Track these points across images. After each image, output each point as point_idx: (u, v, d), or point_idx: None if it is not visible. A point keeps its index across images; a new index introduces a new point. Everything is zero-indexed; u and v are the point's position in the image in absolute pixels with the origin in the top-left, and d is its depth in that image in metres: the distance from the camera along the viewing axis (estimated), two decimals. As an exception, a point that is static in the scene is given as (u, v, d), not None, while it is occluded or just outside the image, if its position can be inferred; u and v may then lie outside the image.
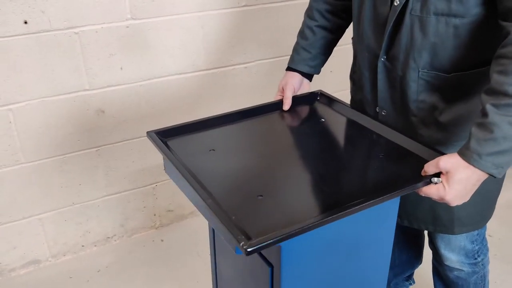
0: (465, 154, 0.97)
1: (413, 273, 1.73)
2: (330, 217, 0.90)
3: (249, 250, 0.81)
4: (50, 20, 1.77)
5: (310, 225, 0.88)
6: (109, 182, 2.13)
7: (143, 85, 2.02)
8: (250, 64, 2.24)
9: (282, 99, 1.38)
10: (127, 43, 1.93)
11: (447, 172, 0.98)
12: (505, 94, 0.94)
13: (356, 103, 1.39)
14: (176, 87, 2.10)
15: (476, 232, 1.37)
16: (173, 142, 1.21)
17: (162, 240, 2.27)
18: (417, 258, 1.68)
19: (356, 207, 0.92)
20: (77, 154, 2.01)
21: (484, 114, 0.96)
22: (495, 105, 0.95)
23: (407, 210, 1.31)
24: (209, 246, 1.35)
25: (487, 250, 1.46)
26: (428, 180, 1.00)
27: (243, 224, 0.90)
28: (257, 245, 0.82)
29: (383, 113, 1.27)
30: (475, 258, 1.42)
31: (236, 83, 2.23)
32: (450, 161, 0.98)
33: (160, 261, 2.15)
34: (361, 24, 1.25)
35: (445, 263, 1.43)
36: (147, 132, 1.21)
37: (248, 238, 0.85)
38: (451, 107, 1.16)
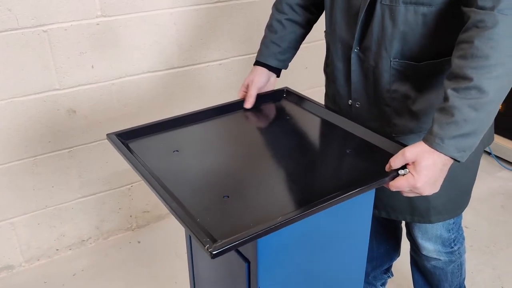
0: (428, 139, 0.98)
1: (391, 266, 1.74)
2: (297, 216, 0.88)
3: (214, 253, 0.80)
4: (17, 18, 1.72)
5: (277, 224, 0.86)
6: (83, 184, 2.09)
7: (115, 83, 1.99)
8: (225, 61, 2.22)
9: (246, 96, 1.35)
10: (98, 41, 1.89)
11: (413, 162, 0.99)
12: (464, 78, 0.95)
13: (329, 97, 1.39)
14: (149, 85, 2.07)
15: (452, 221, 1.38)
16: (135, 144, 1.17)
17: (139, 242, 2.24)
18: (395, 251, 1.68)
19: (322, 205, 0.91)
20: (48, 155, 1.96)
21: (446, 98, 0.97)
22: (455, 89, 0.96)
23: (384, 202, 1.32)
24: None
25: (463, 239, 1.48)
26: (395, 174, 1.00)
27: (209, 226, 0.88)
28: (222, 247, 0.80)
29: (356, 105, 1.27)
30: (452, 247, 1.43)
31: (210, 80, 2.21)
32: (415, 150, 0.99)
33: (137, 263, 2.11)
34: (334, 16, 1.24)
35: (423, 253, 1.43)
36: (107, 135, 1.17)
37: (214, 240, 0.83)
38: (423, 96, 1.17)
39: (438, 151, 0.97)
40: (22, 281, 2.02)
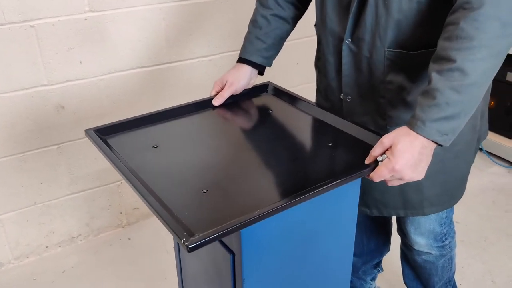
0: (411, 122, 0.98)
1: (381, 261, 1.74)
2: (275, 208, 0.88)
3: (190, 246, 0.79)
4: (4, 13, 1.71)
5: (255, 217, 0.85)
6: (72, 180, 2.08)
7: (103, 79, 1.97)
8: (215, 56, 2.21)
9: (220, 91, 1.33)
10: (86, 36, 1.88)
11: (390, 146, 0.98)
12: (448, 59, 0.94)
13: (321, 92, 1.38)
14: (138, 81, 2.05)
15: (444, 215, 1.38)
16: (114, 140, 1.16)
17: (129, 239, 2.23)
18: (385, 245, 1.68)
19: (300, 198, 0.90)
20: (37, 152, 1.95)
21: (429, 81, 0.97)
22: (438, 72, 0.95)
23: (376, 198, 1.30)
24: (175, 242, 1.32)
25: (454, 233, 1.47)
26: (375, 164, 0.99)
27: (187, 220, 0.87)
28: (199, 241, 0.80)
29: (347, 99, 1.25)
30: (443, 241, 1.43)
31: (200, 76, 2.20)
32: (391, 135, 0.99)
33: (127, 260, 2.10)
34: (324, 8, 1.23)
35: (414, 247, 1.43)
36: (86, 130, 1.16)
37: (191, 234, 0.82)
38: (418, 87, 1.15)
39: (419, 134, 0.96)
40: (11, 278, 2.01)
